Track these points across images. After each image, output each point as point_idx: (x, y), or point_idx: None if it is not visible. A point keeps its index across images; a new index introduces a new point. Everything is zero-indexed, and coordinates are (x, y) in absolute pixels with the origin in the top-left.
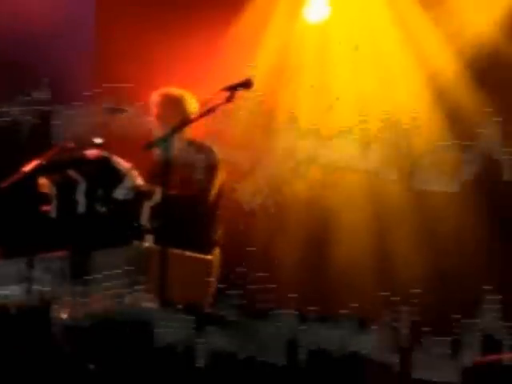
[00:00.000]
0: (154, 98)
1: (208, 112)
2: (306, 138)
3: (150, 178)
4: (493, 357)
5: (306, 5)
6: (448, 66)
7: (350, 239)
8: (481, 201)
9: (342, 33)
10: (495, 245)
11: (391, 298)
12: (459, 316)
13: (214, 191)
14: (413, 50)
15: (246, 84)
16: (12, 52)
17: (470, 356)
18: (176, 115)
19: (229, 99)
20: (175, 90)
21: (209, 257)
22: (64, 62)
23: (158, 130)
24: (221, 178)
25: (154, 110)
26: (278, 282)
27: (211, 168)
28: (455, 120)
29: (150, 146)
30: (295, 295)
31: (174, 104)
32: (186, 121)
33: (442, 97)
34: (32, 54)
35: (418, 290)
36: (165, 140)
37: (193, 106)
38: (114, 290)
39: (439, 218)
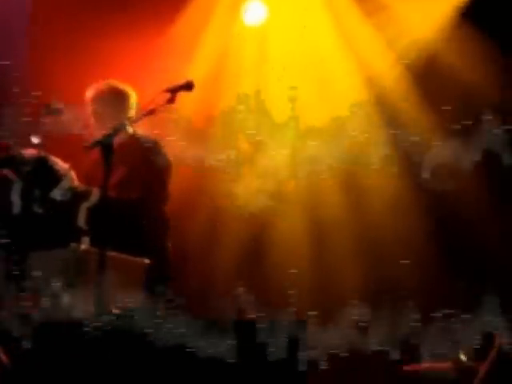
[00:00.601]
0: (90, 93)
1: (149, 113)
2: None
3: (89, 179)
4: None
5: (243, 7)
6: (387, 70)
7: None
8: None
9: (279, 36)
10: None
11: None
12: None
13: (160, 195)
14: (352, 53)
15: (188, 86)
16: None
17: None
18: (114, 111)
19: (170, 101)
20: (113, 85)
21: (146, 260)
22: None
23: (95, 127)
24: (168, 176)
25: (90, 106)
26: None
27: (160, 168)
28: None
29: (90, 146)
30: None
31: (111, 99)
32: (126, 121)
33: (380, 101)
34: None
35: None
36: (105, 141)
37: (131, 100)
38: (50, 291)
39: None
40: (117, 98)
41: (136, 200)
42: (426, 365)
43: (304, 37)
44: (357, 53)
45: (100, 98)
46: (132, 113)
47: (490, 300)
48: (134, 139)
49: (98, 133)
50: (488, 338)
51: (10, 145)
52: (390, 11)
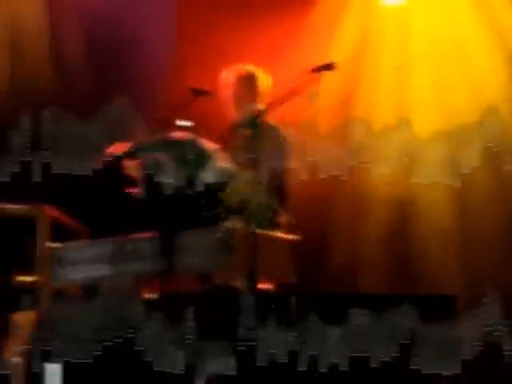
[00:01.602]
0: (227, 77)
1: (292, 94)
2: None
3: (234, 159)
4: None
5: None
6: None
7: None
8: None
9: (420, 16)
10: None
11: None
12: None
13: (289, 174)
14: (498, 42)
15: (330, 66)
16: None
17: None
18: (251, 93)
19: (313, 81)
20: (248, 68)
21: (294, 237)
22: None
23: (232, 109)
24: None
25: (229, 89)
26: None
27: (285, 152)
28: None
29: (236, 127)
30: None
31: (248, 82)
32: (271, 103)
33: None
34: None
35: None
36: (251, 122)
37: (266, 82)
38: (202, 269)
39: None
40: (253, 81)
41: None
42: None
43: (446, 18)
44: (504, 42)
45: (237, 80)
46: (266, 97)
47: None
48: (269, 125)
49: (234, 115)
50: None
51: (159, 129)
52: None
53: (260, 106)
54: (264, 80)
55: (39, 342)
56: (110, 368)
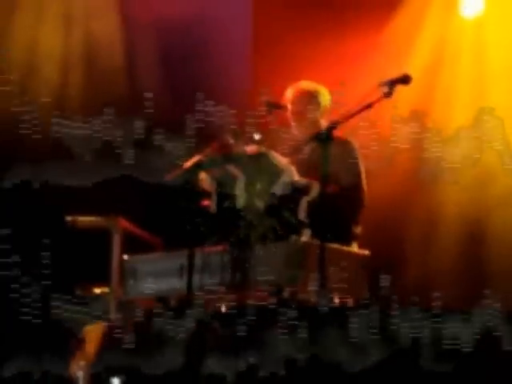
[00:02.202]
0: (289, 94)
1: (365, 108)
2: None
3: (304, 174)
4: None
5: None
6: None
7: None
8: None
9: (497, 28)
10: None
11: None
12: None
13: (363, 186)
14: None
15: (404, 79)
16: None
17: None
18: (311, 110)
19: (387, 95)
20: (309, 85)
21: (366, 252)
22: (223, 64)
23: (294, 126)
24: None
25: (290, 106)
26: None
27: (355, 163)
28: None
29: (309, 141)
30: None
31: (308, 99)
32: (343, 118)
33: None
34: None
35: None
36: (323, 135)
37: (327, 98)
38: (273, 284)
39: None
40: (314, 98)
41: (352, 197)
42: None
43: None
44: None
45: (298, 97)
46: (327, 114)
47: None
48: (339, 139)
49: (296, 131)
50: None
51: (232, 142)
52: None
53: (323, 123)
54: (325, 97)
55: (106, 356)
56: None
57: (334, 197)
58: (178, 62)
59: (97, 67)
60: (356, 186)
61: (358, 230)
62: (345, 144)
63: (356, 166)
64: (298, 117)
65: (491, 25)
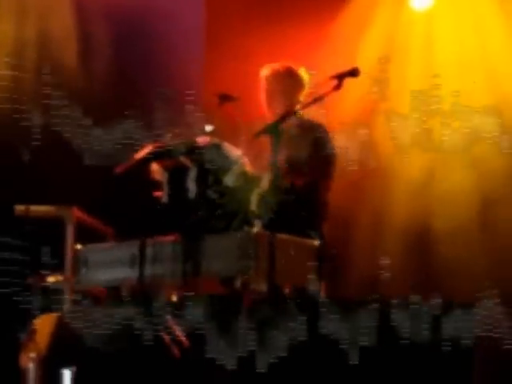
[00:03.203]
0: (264, 72)
1: (316, 100)
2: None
3: (259, 164)
4: None
5: None
6: None
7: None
8: None
9: (447, 21)
10: None
11: None
12: None
13: (327, 181)
14: None
15: (354, 72)
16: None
17: None
18: (287, 90)
19: (336, 87)
20: (285, 64)
21: (315, 241)
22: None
23: (267, 105)
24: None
25: (264, 84)
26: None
27: (330, 153)
28: None
29: (258, 133)
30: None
31: (284, 77)
32: (293, 110)
33: None
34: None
35: None
36: (273, 127)
37: (306, 78)
38: (224, 273)
39: None
40: (291, 77)
41: (304, 186)
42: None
43: (473, 26)
44: None
45: (275, 76)
46: (304, 94)
47: None
48: (306, 123)
49: (269, 111)
50: None
51: (184, 133)
52: None
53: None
54: (301, 77)
55: (57, 347)
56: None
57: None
58: (130, 50)
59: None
60: (314, 182)
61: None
62: (314, 130)
63: (322, 159)
64: (270, 96)
65: (441, 17)
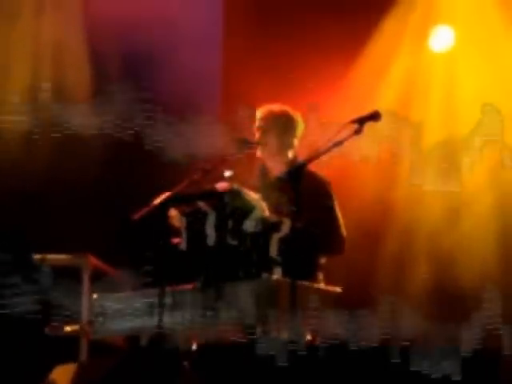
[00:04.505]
0: (261, 110)
1: (336, 145)
2: None
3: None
4: None
5: (431, 35)
6: None
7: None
8: None
9: (468, 61)
10: None
11: None
12: None
13: (341, 226)
14: None
15: (375, 116)
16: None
17: None
18: (280, 133)
19: (357, 132)
20: (282, 107)
21: (338, 289)
22: (191, 80)
23: (258, 146)
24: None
25: (258, 122)
26: None
27: (332, 203)
28: None
29: (280, 178)
30: None
31: (279, 120)
32: (313, 156)
33: None
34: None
35: None
36: (294, 172)
37: (301, 127)
38: (247, 322)
39: None
40: (285, 120)
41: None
42: None
43: (494, 65)
44: None
45: (270, 116)
46: (296, 142)
47: None
48: (312, 175)
49: (261, 149)
50: None
51: (202, 178)
52: None
53: (292, 155)
54: (297, 124)
55: None
56: None
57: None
58: (142, 62)
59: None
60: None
61: (323, 260)
62: (322, 184)
63: (331, 210)
64: (262, 136)
65: (461, 59)
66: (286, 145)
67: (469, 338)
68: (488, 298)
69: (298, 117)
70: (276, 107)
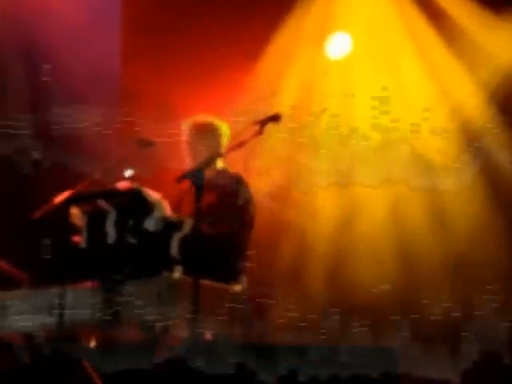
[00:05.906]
0: (186, 125)
1: (239, 145)
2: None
3: (180, 209)
4: None
5: (328, 41)
6: (471, 97)
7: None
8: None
9: (364, 68)
10: None
11: None
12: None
13: (247, 228)
14: (436, 83)
15: (275, 118)
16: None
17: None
18: (208, 143)
19: (258, 133)
20: (207, 118)
21: (236, 287)
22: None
23: (189, 157)
24: (252, 210)
25: (185, 137)
26: None
27: (245, 203)
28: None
29: (181, 178)
30: None
31: (205, 132)
32: (216, 154)
33: (465, 128)
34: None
35: None
36: (196, 173)
37: (227, 134)
38: (144, 320)
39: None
40: (212, 132)
41: (224, 234)
42: None
43: (388, 68)
44: (440, 82)
45: (196, 130)
46: (224, 146)
47: None
48: (222, 173)
49: (190, 162)
50: None
51: (103, 178)
52: (471, 38)
53: (221, 164)
54: (221, 131)
55: None
56: None
57: (209, 236)
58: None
59: None
60: (236, 230)
61: (245, 263)
62: (234, 181)
63: (241, 207)
64: (191, 148)
65: (357, 65)
66: (214, 153)
67: None
68: None
69: (223, 125)
70: (201, 119)
